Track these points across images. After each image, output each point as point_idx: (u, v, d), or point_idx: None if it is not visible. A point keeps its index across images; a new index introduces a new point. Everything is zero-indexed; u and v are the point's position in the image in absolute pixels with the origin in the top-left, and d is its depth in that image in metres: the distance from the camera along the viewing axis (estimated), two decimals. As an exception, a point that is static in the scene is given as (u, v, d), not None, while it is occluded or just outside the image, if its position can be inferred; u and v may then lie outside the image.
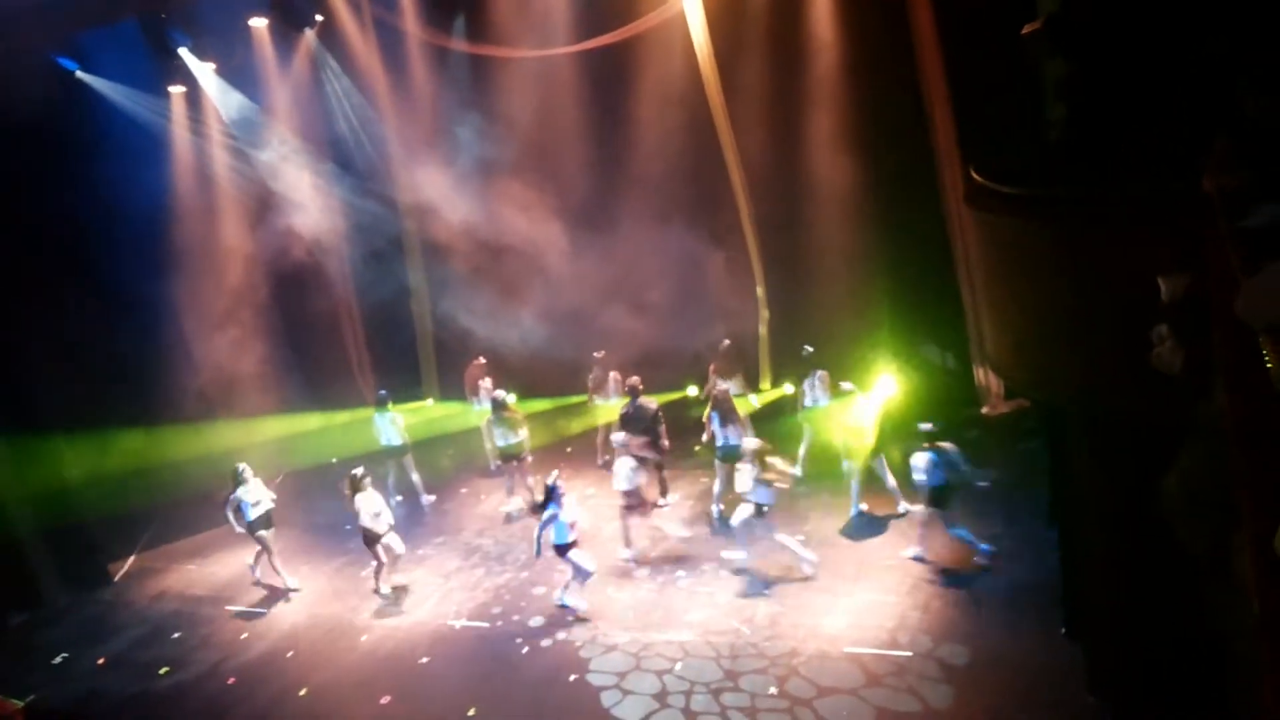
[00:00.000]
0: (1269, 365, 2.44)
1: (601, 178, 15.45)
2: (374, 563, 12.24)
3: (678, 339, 15.10)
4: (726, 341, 14.56)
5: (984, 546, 10.58)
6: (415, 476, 14.81)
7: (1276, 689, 2.06)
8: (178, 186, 15.61)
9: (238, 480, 12.58)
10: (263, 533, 12.66)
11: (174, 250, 15.01)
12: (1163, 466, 4.61)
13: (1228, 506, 2.92)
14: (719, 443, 12.64)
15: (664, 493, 13.63)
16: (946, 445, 10.53)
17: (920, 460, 10.50)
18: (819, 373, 13.08)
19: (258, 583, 13.06)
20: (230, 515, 12.65)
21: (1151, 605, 6.49)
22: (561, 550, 10.96)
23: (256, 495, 12.64)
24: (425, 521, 14.26)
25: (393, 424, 14.56)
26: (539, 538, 11.06)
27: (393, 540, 12.17)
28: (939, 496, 10.54)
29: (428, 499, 14.80)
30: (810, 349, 13.22)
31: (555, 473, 11.37)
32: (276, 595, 12.77)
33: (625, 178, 15.33)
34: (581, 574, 11.01)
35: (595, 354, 15.23)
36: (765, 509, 10.86)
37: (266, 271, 16.24)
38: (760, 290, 15.41)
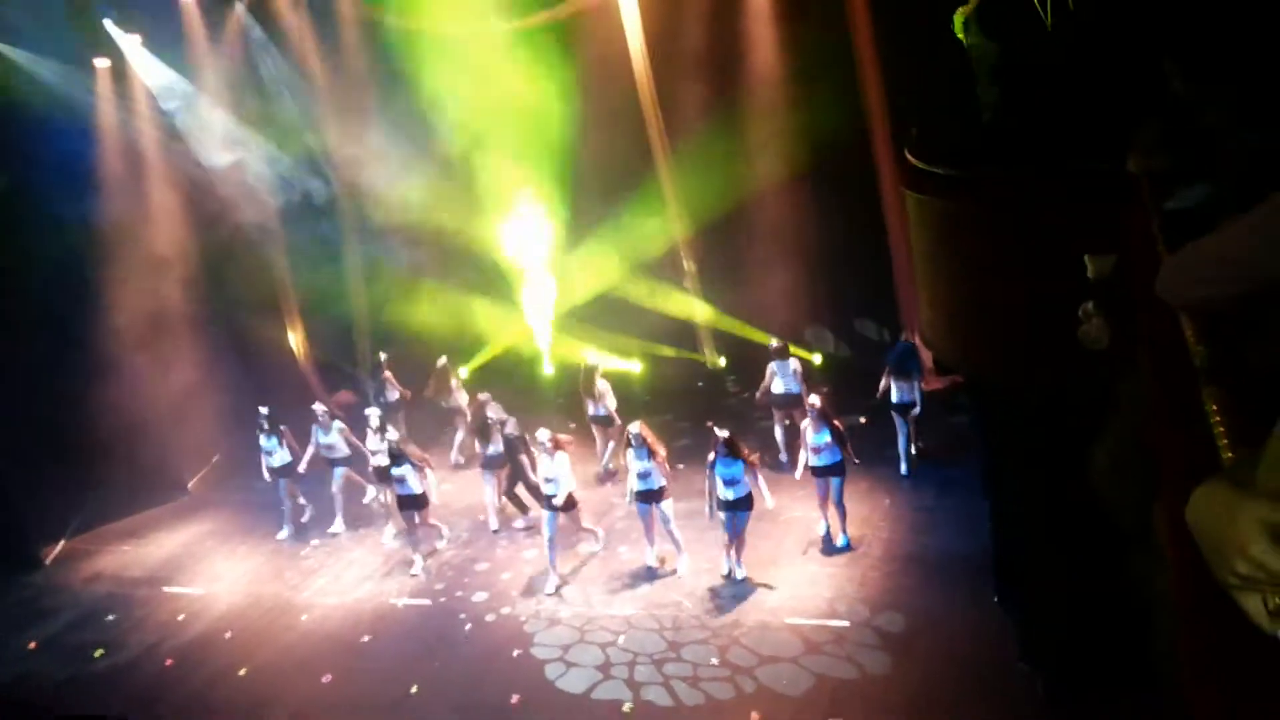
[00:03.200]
0: (1188, 342, 2.54)
1: (535, 158, 15.30)
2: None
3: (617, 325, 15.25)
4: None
5: None
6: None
7: (1187, 655, 2.17)
8: (102, 161, 14.97)
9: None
10: None
11: (102, 230, 14.43)
12: (1089, 440, 4.75)
13: (1150, 479, 3.03)
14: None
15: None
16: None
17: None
18: (791, 361, 12.83)
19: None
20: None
21: (1078, 575, 6.69)
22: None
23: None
24: (366, 500, 14.15)
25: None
26: None
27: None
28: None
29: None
30: (780, 342, 12.99)
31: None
32: (214, 575, 12.63)
33: (560, 157, 15.22)
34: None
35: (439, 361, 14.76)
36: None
37: (198, 251, 15.74)
38: (688, 264, 15.49)
